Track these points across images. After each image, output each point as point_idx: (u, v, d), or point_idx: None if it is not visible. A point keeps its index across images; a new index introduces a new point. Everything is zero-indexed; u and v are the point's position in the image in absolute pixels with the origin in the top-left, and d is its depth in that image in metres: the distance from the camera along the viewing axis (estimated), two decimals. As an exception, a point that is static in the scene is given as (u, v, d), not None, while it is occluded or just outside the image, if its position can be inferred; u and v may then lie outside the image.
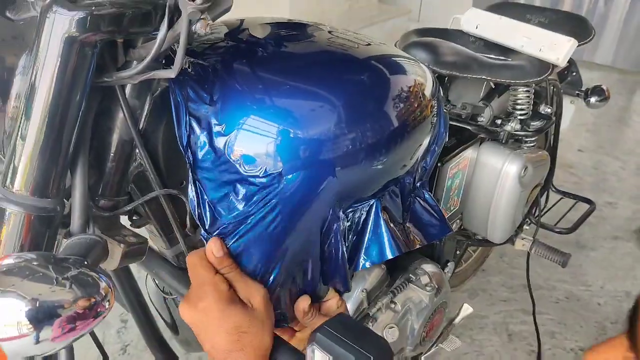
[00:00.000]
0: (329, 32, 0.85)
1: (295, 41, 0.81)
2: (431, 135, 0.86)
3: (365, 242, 0.80)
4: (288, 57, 0.77)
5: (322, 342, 0.55)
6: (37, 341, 0.43)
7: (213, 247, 0.63)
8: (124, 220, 0.71)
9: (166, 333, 1.10)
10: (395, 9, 3.77)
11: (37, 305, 0.43)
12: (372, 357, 0.52)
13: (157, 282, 0.97)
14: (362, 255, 0.80)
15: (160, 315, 1.05)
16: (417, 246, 0.87)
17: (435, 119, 0.86)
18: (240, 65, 0.71)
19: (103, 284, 0.46)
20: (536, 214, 1.49)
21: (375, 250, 0.80)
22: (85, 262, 0.49)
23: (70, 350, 0.59)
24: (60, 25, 0.50)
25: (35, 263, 0.45)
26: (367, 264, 0.80)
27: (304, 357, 0.66)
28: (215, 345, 0.60)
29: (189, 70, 0.67)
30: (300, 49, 0.80)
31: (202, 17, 0.53)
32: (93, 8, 0.50)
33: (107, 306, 0.46)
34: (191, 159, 0.65)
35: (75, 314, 0.44)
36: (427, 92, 0.84)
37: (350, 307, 0.99)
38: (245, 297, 0.64)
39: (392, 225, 0.84)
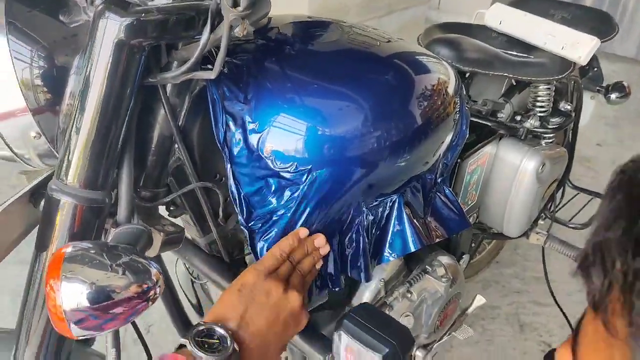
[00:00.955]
0: (352, 28, 0.87)
1: (321, 40, 0.84)
2: (453, 132, 0.89)
3: (389, 236, 0.83)
4: (315, 56, 0.81)
5: (349, 328, 0.59)
6: (95, 322, 0.48)
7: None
8: (162, 210, 0.75)
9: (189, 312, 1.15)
10: (415, -3, 3.74)
11: (95, 289, 0.48)
12: (395, 343, 0.56)
13: (187, 266, 1.02)
14: (387, 249, 0.83)
15: (187, 298, 1.10)
16: (437, 240, 0.91)
17: (458, 116, 0.89)
18: (270, 64, 0.75)
19: (154, 270, 0.50)
20: (552, 209, 1.51)
21: (398, 244, 0.83)
22: (135, 250, 0.54)
23: (116, 332, 0.64)
24: (111, 30, 0.54)
25: (92, 251, 0.49)
26: (391, 258, 0.84)
27: (330, 341, 0.70)
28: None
29: (224, 69, 0.71)
30: (326, 47, 0.83)
31: (242, 22, 0.57)
32: (142, 14, 0.54)
33: (157, 291, 0.50)
34: (227, 154, 0.69)
35: (129, 298, 0.48)
36: (450, 89, 0.86)
37: (369, 295, 1.03)
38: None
39: (414, 219, 0.87)
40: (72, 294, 0.47)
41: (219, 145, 0.69)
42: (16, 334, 0.63)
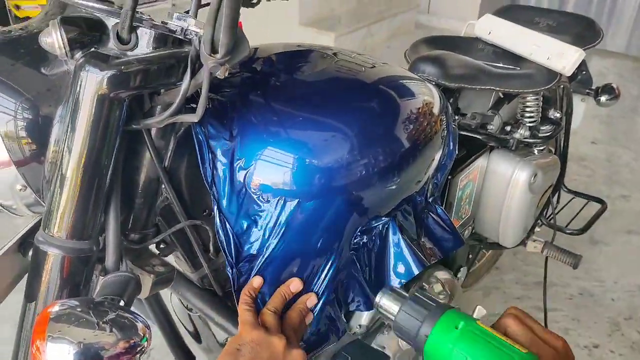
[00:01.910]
0: (337, 56, 0.88)
1: (306, 70, 0.85)
2: (442, 150, 0.89)
3: (392, 261, 0.82)
4: (300, 87, 0.81)
5: (341, 368, 0.59)
6: (84, 380, 0.48)
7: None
8: (152, 247, 0.75)
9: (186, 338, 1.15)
10: (404, 2, 3.75)
11: (82, 348, 0.48)
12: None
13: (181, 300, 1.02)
14: (392, 275, 0.82)
15: (184, 327, 1.10)
16: (433, 261, 0.91)
17: (445, 133, 0.89)
18: (255, 97, 0.75)
19: (140, 325, 0.50)
20: (548, 216, 1.51)
21: (403, 268, 0.83)
22: (122, 302, 0.54)
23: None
24: (92, 83, 0.54)
25: (78, 309, 0.49)
26: (397, 284, 0.82)
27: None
28: None
29: (209, 106, 0.71)
30: (311, 77, 0.83)
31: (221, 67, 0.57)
32: (123, 66, 0.54)
33: (145, 345, 0.50)
34: (216, 194, 0.69)
35: (116, 355, 0.48)
36: (435, 109, 0.86)
37: (367, 317, 1.03)
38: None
39: (409, 242, 0.87)
40: (58, 355, 0.47)
41: (206, 185, 0.69)
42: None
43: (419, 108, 0.84)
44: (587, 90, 1.62)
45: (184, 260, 0.79)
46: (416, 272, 0.83)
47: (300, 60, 0.86)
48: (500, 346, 0.52)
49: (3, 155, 0.59)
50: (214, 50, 0.55)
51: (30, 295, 0.60)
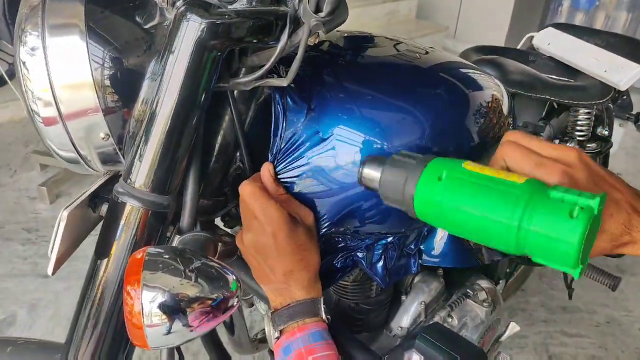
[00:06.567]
0: (398, 42, 0.87)
1: (372, 53, 0.84)
2: None
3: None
4: (370, 69, 0.79)
5: (421, 349, 0.56)
6: (168, 332, 0.46)
7: (268, 171, 0.65)
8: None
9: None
10: (432, 25, 3.79)
11: (168, 297, 0.45)
12: (473, 366, 0.53)
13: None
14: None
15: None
16: (489, 262, 0.88)
17: None
18: (327, 76, 0.74)
19: (231, 277, 0.48)
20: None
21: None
22: (205, 255, 0.51)
23: (171, 349, 0.61)
24: (192, 31, 0.53)
25: (166, 256, 0.47)
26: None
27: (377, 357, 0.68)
28: (278, 269, 0.62)
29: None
30: (379, 60, 0.82)
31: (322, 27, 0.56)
32: (226, 16, 0.53)
33: (235, 301, 0.47)
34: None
35: (204, 306, 0.46)
36: (505, 108, 0.85)
37: (409, 319, 1.00)
38: (300, 217, 0.66)
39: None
40: (151, 302, 0.44)
41: (269, 155, 0.68)
42: (65, 349, 0.61)
43: (489, 102, 0.82)
44: (627, 115, 1.61)
45: (245, 236, 0.77)
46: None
47: (366, 44, 0.85)
48: (490, 184, 0.45)
49: (93, 102, 0.57)
50: (318, 8, 0.54)
51: (102, 252, 0.58)
